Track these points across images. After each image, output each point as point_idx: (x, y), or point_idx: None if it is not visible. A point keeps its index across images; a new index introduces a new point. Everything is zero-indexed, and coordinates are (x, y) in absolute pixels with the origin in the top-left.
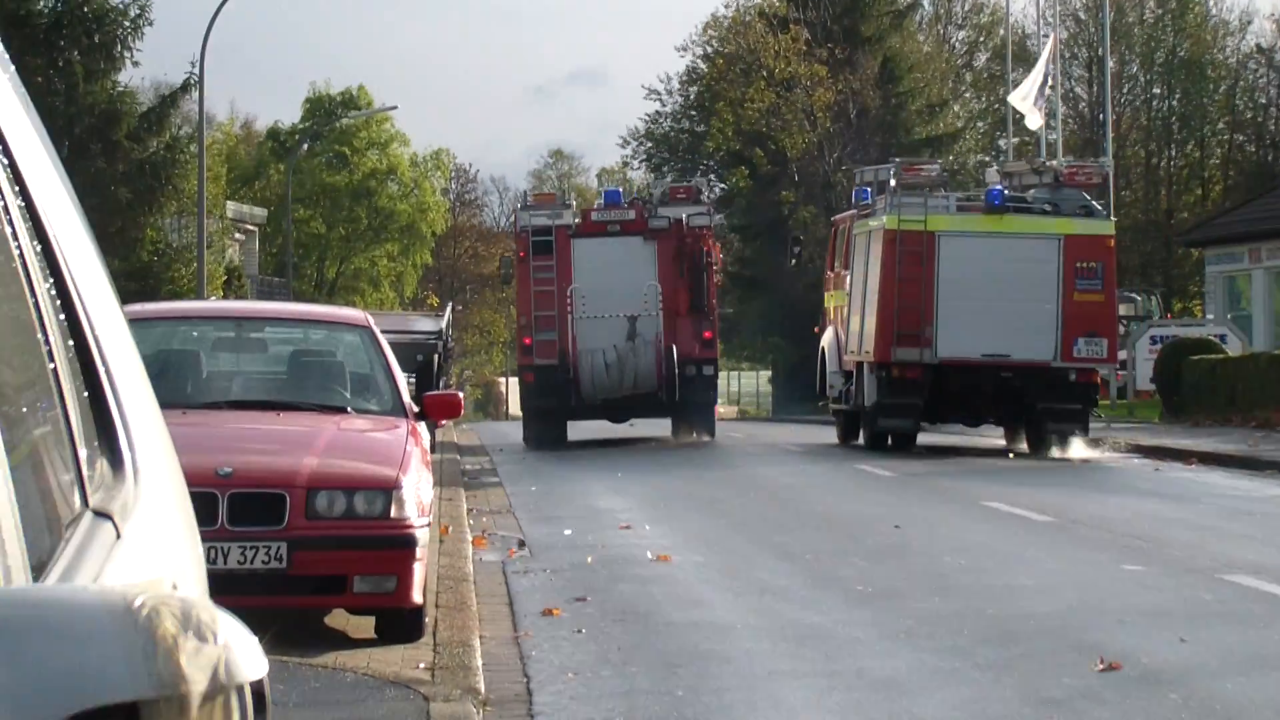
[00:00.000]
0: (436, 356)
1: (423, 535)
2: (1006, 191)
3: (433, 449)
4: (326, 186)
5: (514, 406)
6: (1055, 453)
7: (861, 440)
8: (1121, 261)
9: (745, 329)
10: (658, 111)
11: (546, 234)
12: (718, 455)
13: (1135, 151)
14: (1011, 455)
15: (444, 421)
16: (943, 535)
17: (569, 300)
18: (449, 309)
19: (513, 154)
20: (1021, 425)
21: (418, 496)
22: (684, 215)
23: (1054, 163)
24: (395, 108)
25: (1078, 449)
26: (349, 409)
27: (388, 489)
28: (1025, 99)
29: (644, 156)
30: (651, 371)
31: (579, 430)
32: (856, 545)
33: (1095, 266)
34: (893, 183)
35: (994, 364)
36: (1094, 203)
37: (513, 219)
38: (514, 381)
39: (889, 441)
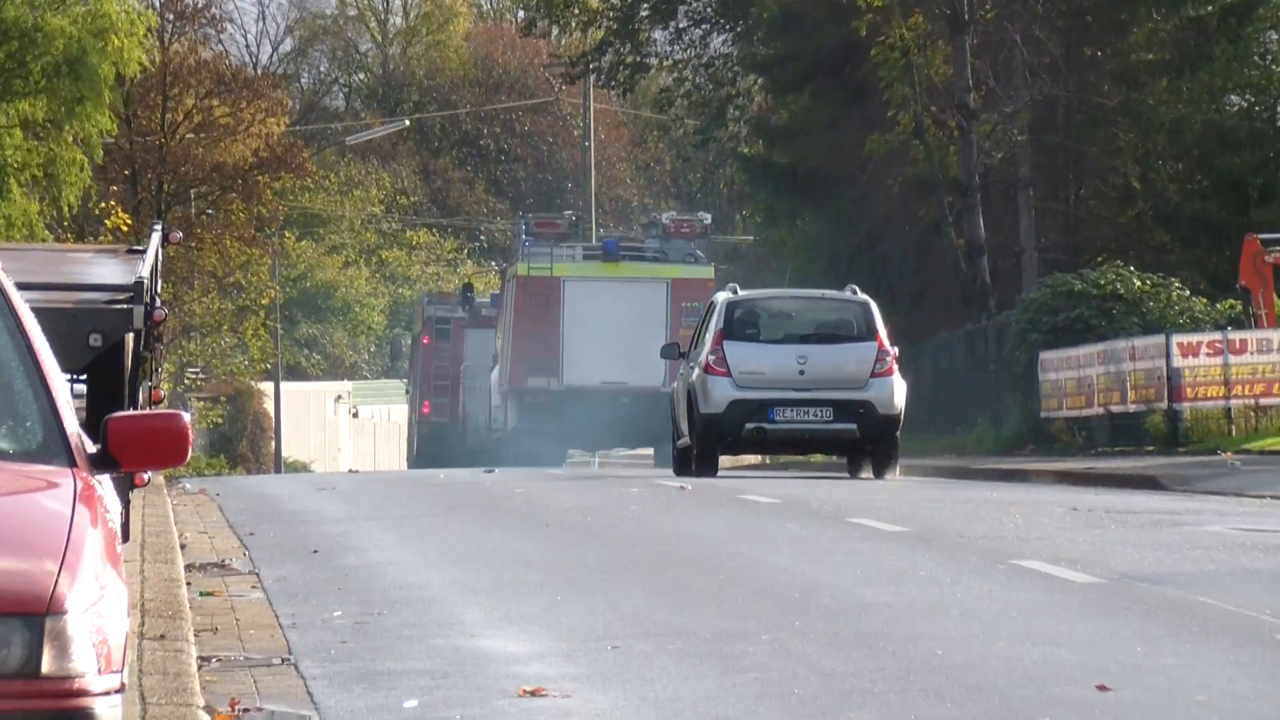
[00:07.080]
0: (133, 339)
1: (108, 713)
2: (623, 242)
3: (126, 532)
4: None
5: (291, 444)
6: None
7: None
8: None
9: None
10: None
11: (445, 323)
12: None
13: None
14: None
15: (148, 474)
16: None
17: (461, 375)
18: (156, 238)
19: None
20: (652, 447)
21: (99, 629)
22: None
23: (664, 218)
24: None
25: None
26: None
27: (36, 615)
28: None
29: None
30: None
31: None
32: None
33: (697, 305)
34: (524, 236)
35: (613, 390)
36: (698, 251)
37: (419, 310)
38: (300, 390)
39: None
